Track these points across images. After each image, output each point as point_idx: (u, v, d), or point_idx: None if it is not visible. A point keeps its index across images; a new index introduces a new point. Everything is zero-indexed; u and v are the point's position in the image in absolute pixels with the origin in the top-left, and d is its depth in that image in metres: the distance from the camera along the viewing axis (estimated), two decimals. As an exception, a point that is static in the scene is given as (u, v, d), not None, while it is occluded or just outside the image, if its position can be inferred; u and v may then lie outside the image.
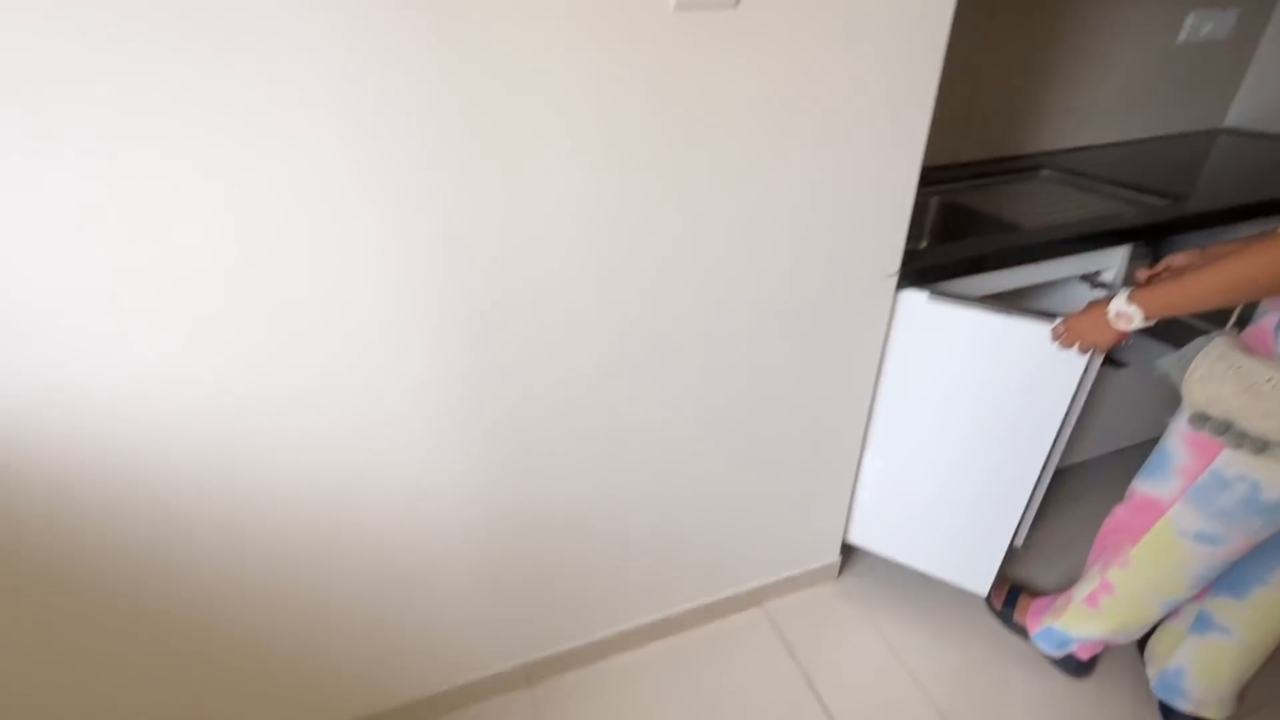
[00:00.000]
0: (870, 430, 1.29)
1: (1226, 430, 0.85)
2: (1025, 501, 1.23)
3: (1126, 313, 0.90)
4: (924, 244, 1.59)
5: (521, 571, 1.15)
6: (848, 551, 1.55)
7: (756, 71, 0.81)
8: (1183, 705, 1.16)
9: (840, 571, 1.52)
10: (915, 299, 1.14)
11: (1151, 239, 1.29)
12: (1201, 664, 1.12)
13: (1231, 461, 0.90)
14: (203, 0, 0.60)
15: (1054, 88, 1.72)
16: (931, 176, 1.62)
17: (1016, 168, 1.70)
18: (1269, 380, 0.80)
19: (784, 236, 0.97)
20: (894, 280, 1.09)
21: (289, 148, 0.68)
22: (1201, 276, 0.82)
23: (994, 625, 1.40)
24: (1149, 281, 0.94)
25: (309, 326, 0.79)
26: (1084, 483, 1.75)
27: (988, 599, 1.44)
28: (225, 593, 0.95)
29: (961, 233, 1.49)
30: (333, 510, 0.95)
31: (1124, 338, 0.95)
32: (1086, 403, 1.51)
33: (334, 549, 0.98)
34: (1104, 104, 1.79)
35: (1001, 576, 1.47)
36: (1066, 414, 1.12)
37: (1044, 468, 1.19)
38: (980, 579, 1.34)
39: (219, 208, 0.69)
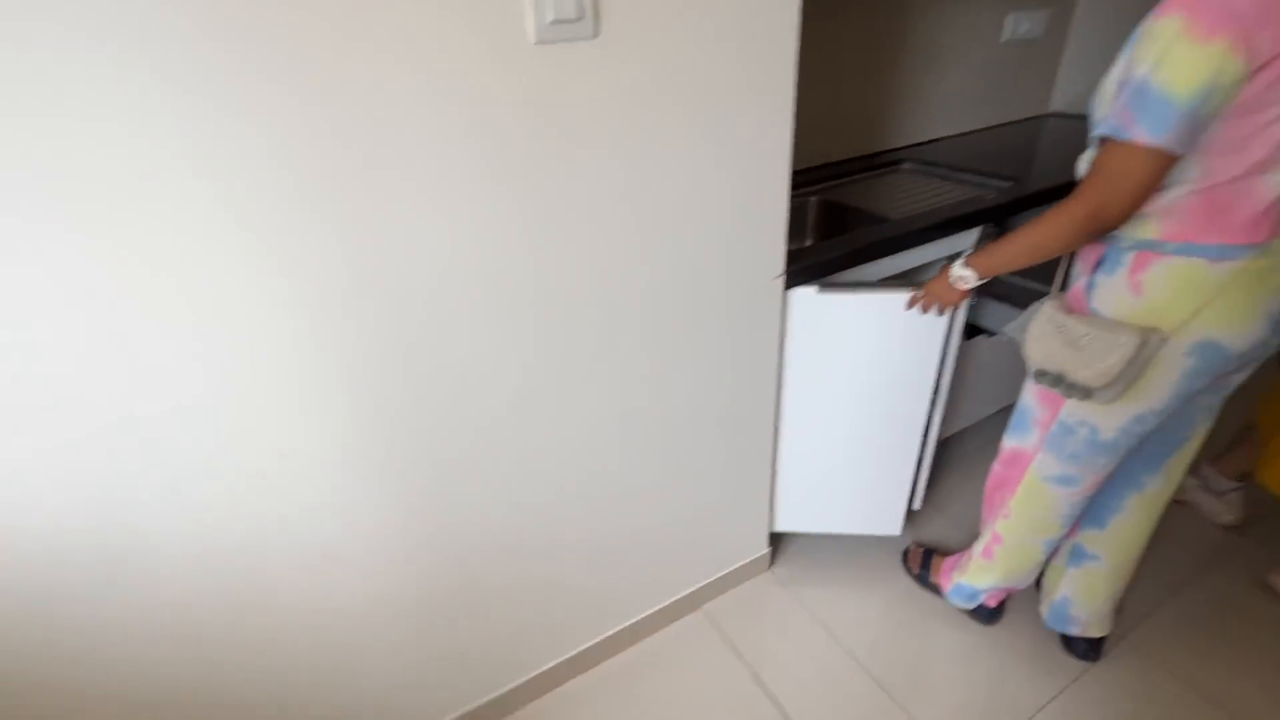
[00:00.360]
0: (781, 420, 1.35)
1: (1060, 383, 0.97)
2: (918, 451, 1.42)
3: (964, 274, 1.04)
4: (809, 242, 1.69)
5: (452, 612, 1.11)
6: (776, 539, 1.61)
7: (623, 95, 0.84)
8: (1073, 630, 1.29)
9: (772, 561, 1.58)
10: (805, 294, 1.21)
11: (999, 218, 1.44)
12: (1081, 591, 1.25)
13: (1072, 410, 1.02)
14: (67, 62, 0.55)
15: (904, 87, 1.88)
16: (808, 178, 1.73)
17: (882, 163, 1.84)
18: (1085, 335, 0.92)
19: (671, 253, 1.01)
20: (781, 281, 1.16)
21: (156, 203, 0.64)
22: (1011, 241, 0.96)
23: (914, 588, 1.50)
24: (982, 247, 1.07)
25: (198, 385, 0.74)
26: (980, 445, 1.91)
27: (906, 564, 1.54)
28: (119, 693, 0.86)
29: (841, 228, 1.60)
30: (238, 580, 0.88)
31: (967, 294, 1.08)
32: (970, 371, 1.66)
33: (246, 620, 0.92)
34: (948, 99, 1.98)
35: (916, 543, 1.58)
36: (940, 370, 1.28)
37: (929, 420, 1.36)
38: (892, 523, 1.52)
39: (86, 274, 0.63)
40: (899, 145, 1.95)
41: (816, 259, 1.21)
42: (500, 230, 0.84)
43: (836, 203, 1.63)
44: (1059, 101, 2.25)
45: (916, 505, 1.57)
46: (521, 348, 0.94)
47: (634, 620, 1.39)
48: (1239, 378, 0.98)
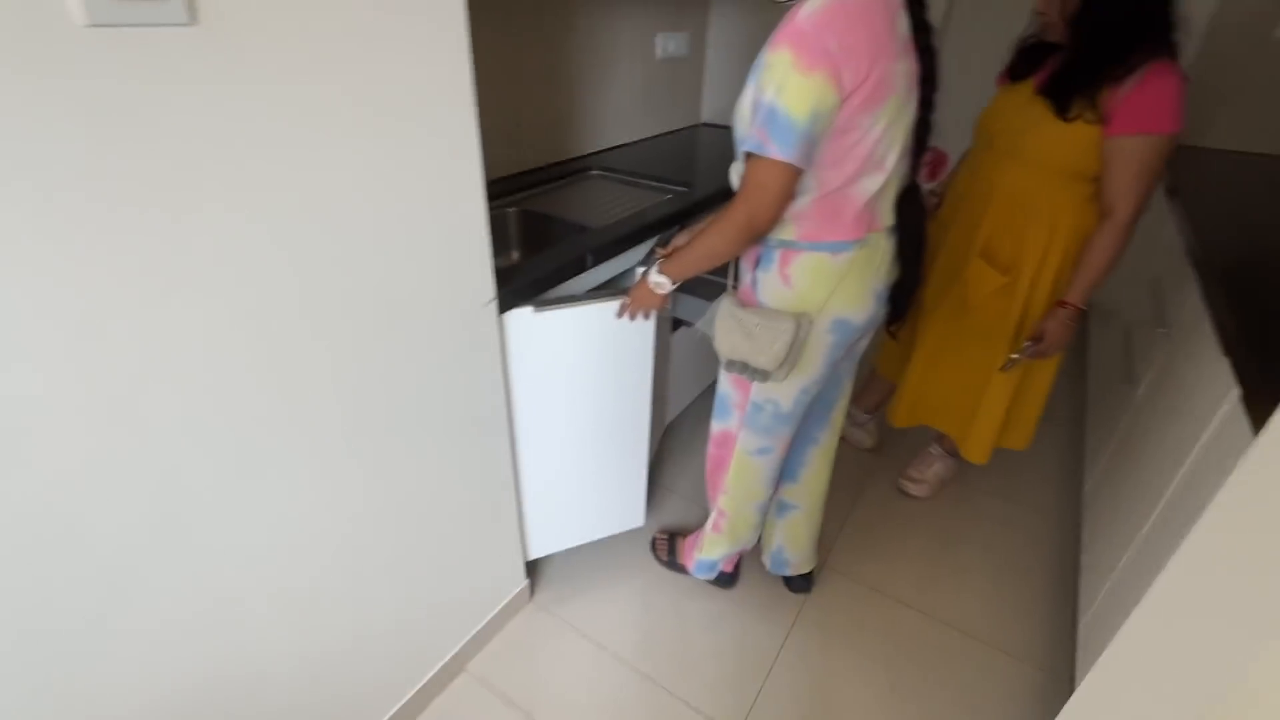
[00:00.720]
0: (518, 449, 1.28)
1: (746, 369, 1.10)
2: (648, 445, 1.48)
3: (661, 281, 1.11)
4: (515, 255, 1.63)
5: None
6: (534, 565, 1.55)
7: (251, 103, 0.65)
8: (788, 571, 1.51)
9: (533, 590, 1.51)
10: (520, 315, 1.14)
11: (682, 221, 1.57)
12: (789, 538, 1.46)
13: (759, 390, 1.17)
14: None
15: (583, 97, 1.94)
16: (504, 188, 1.66)
17: (572, 170, 1.88)
18: (756, 325, 1.05)
19: (364, 299, 0.84)
20: (494, 306, 1.07)
21: None
22: (692, 249, 1.04)
23: (666, 575, 1.59)
24: (671, 254, 1.14)
25: None
26: (693, 425, 2.10)
27: (655, 553, 1.62)
28: None
29: (545, 239, 1.58)
30: None
31: (667, 299, 1.16)
32: (676, 361, 1.81)
33: None
34: (621, 109, 2.11)
35: (660, 530, 1.67)
36: (655, 365, 1.37)
37: (653, 415, 1.45)
38: (635, 517, 1.58)
39: None
40: (585, 152, 2.02)
41: (529, 277, 1.15)
42: (61, 303, 0.58)
43: (537, 213, 1.60)
44: (707, 113, 2.59)
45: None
46: (148, 464, 0.68)
47: (402, 702, 1.19)
48: (864, 344, 1.23)
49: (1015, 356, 1.40)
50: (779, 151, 0.87)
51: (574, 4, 1.78)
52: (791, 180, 0.91)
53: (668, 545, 1.60)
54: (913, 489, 1.84)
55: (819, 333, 1.07)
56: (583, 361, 1.26)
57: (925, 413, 1.70)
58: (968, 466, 1.96)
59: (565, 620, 1.47)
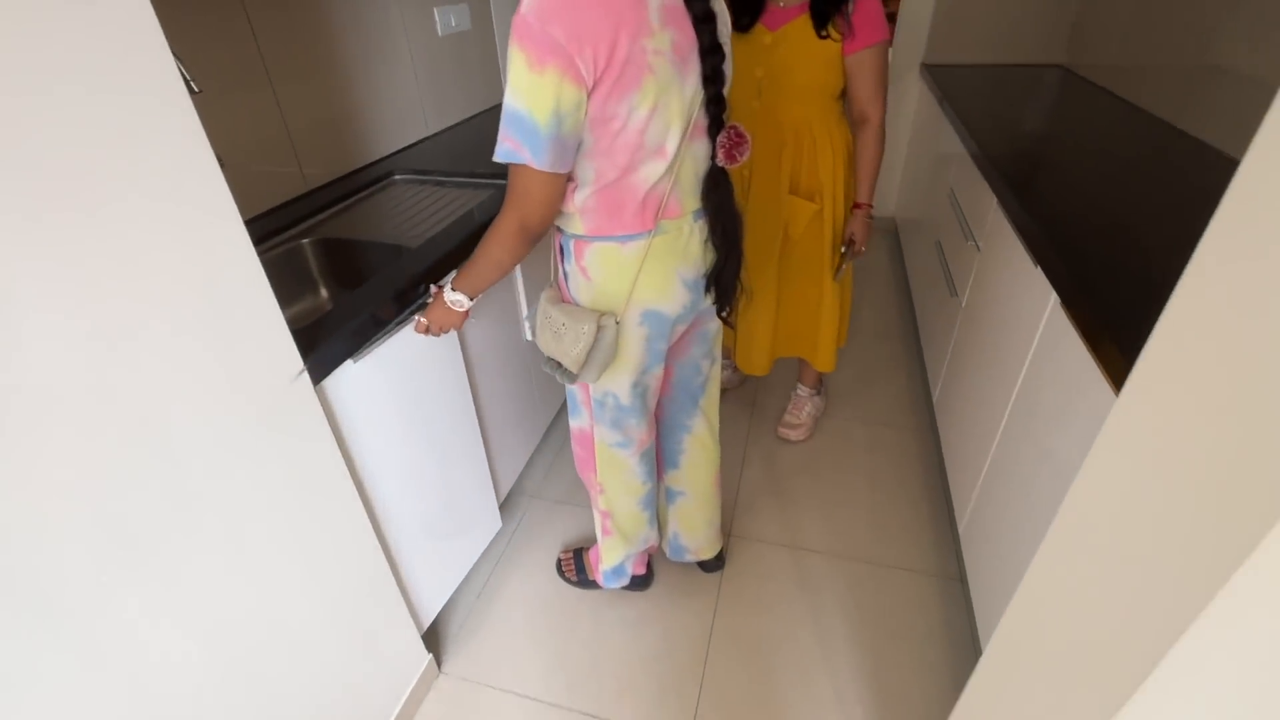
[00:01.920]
0: (374, 510, 1.10)
1: (558, 369, 1.04)
2: (484, 450, 1.42)
3: (457, 298, 1.00)
4: (323, 292, 1.39)
5: None
6: (432, 636, 1.38)
7: None
8: (689, 557, 1.48)
9: (440, 663, 1.35)
10: (339, 375, 0.96)
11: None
12: (683, 524, 1.43)
13: (594, 386, 1.11)
14: None
15: (366, 91, 1.68)
16: (293, 213, 1.40)
17: (371, 178, 1.63)
18: (562, 325, 0.99)
19: (148, 411, 0.62)
20: (305, 378, 0.87)
21: None
22: (478, 260, 0.95)
23: (574, 595, 1.50)
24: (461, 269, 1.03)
25: None
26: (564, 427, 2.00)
27: (564, 576, 1.52)
28: None
29: (354, 270, 1.36)
30: None
31: (467, 315, 1.04)
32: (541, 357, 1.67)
33: None
34: (412, 99, 1.87)
35: (564, 550, 1.57)
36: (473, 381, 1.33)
37: (483, 428, 1.40)
38: (493, 522, 1.53)
39: None
40: (383, 155, 1.77)
41: (338, 338, 0.94)
42: None
43: (336, 239, 1.36)
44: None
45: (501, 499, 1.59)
46: None
47: None
48: (714, 326, 1.17)
49: (843, 264, 1.58)
50: (531, 159, 0.80)
51: (332, 2, 1.50)
52: (553, 182, 0.85)
53: (574, 563, 1.51)
54: (792, 434, 1.90)
55: (630, 326, 1.01)
56: (408, 390, 1.13)
57: (781, 348, 1.79)
58: (832, 399, 2.07)
59: (482, 683, 1.33)
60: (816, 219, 1.53)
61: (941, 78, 2.52)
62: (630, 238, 0.94)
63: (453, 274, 1.00)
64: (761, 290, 1.65)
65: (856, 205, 1.51)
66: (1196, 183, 1.39)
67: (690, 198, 0.97)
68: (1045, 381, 1.09)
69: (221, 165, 1.14)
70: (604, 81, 0.77)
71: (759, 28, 1.39)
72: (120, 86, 0.60)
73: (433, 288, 1.05)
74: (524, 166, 0.81)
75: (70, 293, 0.59)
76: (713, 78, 0.88)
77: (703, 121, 0.92)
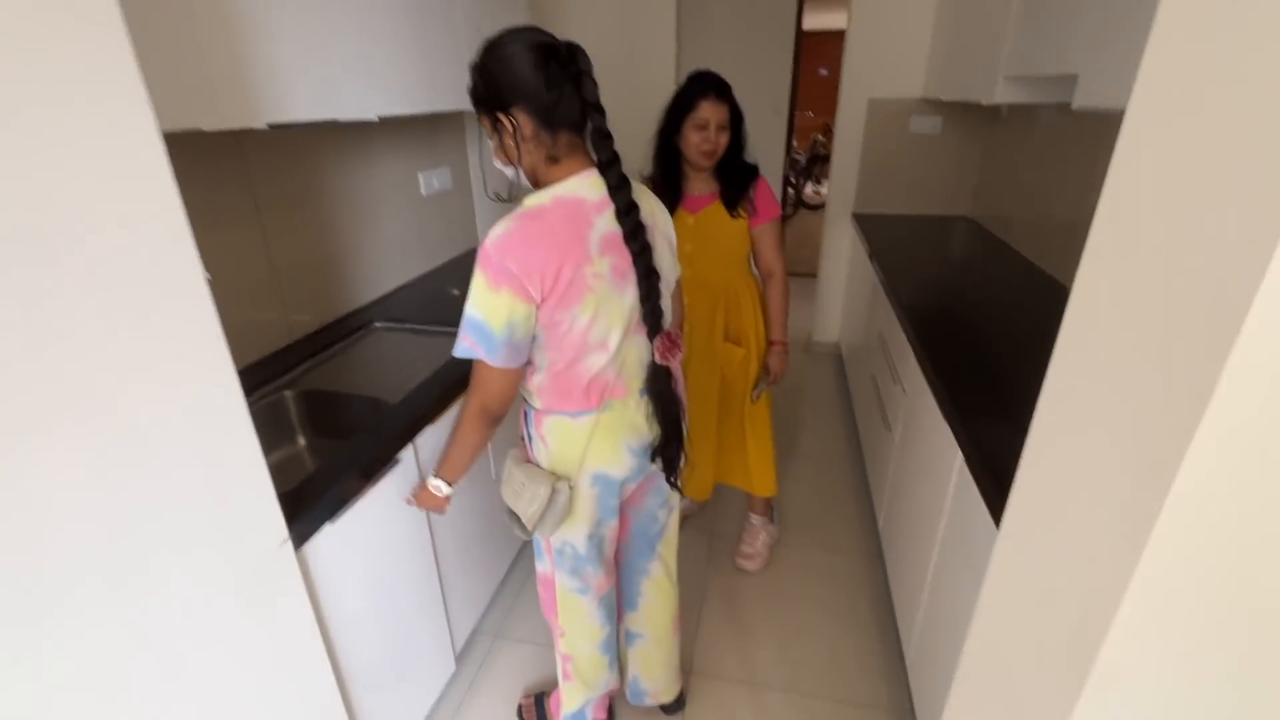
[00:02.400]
0: (340, 666, 1.12)
1: (516, 522, 1.14)
2: (442, 604, 1.48)
3: (437, 484, 1.15)
4: (301, 441, 1.47)
5: None
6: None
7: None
8: (648, 700, 1.50)
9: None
10: (319, 540, 1.03)
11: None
12: (642, 666, 1.46)
13: (555, 536, 1.20)
14: None
15: (353, 247, 1.85)
16: (279, 365, 1.51)
17: (353, 326, 1.76)
18: (523, 485, 1.11)
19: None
20: (289, 545, 0.95)
21: None
22: (454, 446, 1.10)
23: (538, 741, 1.49)
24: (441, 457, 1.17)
25: None
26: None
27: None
28: None
29: (333, 421, 1.45)
30: None
31: (449, 500, 1.18)
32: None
33: None
34: (393, 250, 2.05)
35: (525, 695, 1.57)
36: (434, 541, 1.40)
37: (442, 572, 1.46)
38: (446, 668, 1.55)
39: None
40: (363, 304, 1.92)
41: (322, 498, 1.03)
42: None
43: (318, 392, 1.46)
44: (484, 234, 2.63)
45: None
46: None
47: None
48: (660, 482, 1.27)
49: (758, 389, 1.82)
50: (487, 357, 0.97)
51: (325, 158, 1.71)
52: (506, 375, 1.01)
53: (535, 709, 1.51)
54: (749, 565, 1.97)
55: (583, 488, 1.13)
56: (373, 544, 1.20)
57: (723, 475, 1.98)
58: (788, 526, 2.17)
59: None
60: (743, 361, 1.79)
61: (867, 225, 2.87)
62: (579, 414, 1.08)
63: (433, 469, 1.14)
64: (702, 424, 1.82)
65: (771, 342, 1.78)
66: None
67: (635, 379, 1.11)
68: (963, 517, 1.23)
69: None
70: (550, 299, 0.95)
71: (682, 212, 1.66)
72: (142, 278, 0.73)
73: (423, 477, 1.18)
74: (481, 362, 0.98)
75: (88, 482, 0.67)
76: (647, 295, 1.03)
77: (644, 322, 1.06)
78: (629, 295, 1.03)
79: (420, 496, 1.19)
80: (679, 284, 1.20)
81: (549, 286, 0.94)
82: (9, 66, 0.56)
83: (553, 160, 0.98)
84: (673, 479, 1.22)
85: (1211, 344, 0.43)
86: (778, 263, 1.73)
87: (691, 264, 1.65)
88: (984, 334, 1.68)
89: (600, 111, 0.95)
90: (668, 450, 1.16)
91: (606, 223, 0.98)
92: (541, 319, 0.97)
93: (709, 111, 1.53)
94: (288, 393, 1.45)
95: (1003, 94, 1.84)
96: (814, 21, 5.54)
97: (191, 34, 0.97)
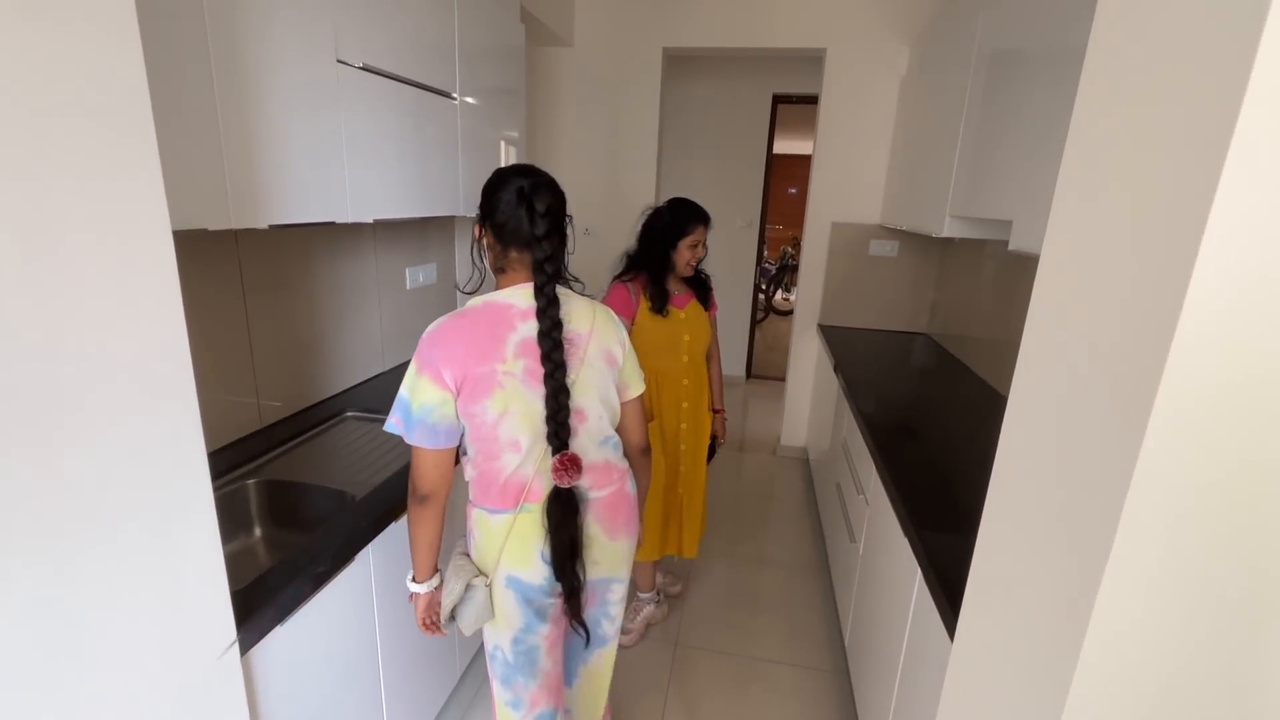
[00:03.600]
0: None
1: (451, 620, 1.14)
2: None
3: (411, 588, 1.17)
4: (257, 531, 1.43)
5: None
6: None
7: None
8: None
9: None
10: (267, 643, 0.99)
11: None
12: None
13: (488, 637, 1.20)
14: None
15: (331, 337, 1.88)
16: (245, 451, 1.49)
17: (323, 416, 1.76)
18: (447, 575, 1.14)
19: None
20: (235, 649, 0.91)
21: None
22: (412, 539, 1.13)
23: None
24: None
25: None
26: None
27: None
28: None
29: (294, 513, 1.42)
30: None
31: (428, 597, 1.17)
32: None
33: None
34: (373, 341, 2.09)
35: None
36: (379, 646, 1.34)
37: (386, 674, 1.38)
38: None
39: None
40: (336, 392, 1.92)
41: (273, 601, 1.00)
42: None
43: (281, 482, 1.44)
44: (463, 327, 2.69)
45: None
46: None
47: None
48: (617, 592, 1.27)
49: (714, 454, 2.13)
50: (405, 434, 1.06)
51: (316, 248, 1.78)
52: (429, 456, 1.07)
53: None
54: (624, 639, 2.00)
55: (499, 588, 1.14)
56: (318, 646, 1.15)
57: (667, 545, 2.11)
58: (756, 637, 2.11)
59: None
60: (708, 422, 2.07)
61: (833, 336, 3.02)
62: (497, 511, 1.11)
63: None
64: (691, 483, 2.06)
65: (715, 410, 2.10)
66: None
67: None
68: (924, 632, 1.23)
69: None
70: (463, 390, 1.04)
71: (673, 309, 1.91)
72: (133, 370, 0.74)
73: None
74: (412, 444, 1.06)
75: (43, 590, 0.66)
76: (549, 400, 1.05)
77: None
78: (537, 403, 1.06)
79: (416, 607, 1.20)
80: (638, 399, 1.23)
81: (460, 378, 1.03)
82: (45, 171, 0.61)
83: (499, 270, 1.13)
84: (572, 613, 1.15)
85: (1122, 446, 0.49)
86: (717, 346, 2.11)
87: (689, 350, 1.94)
88: (942, 447, 1.75)
89: (541, 240, 1.05)
90: (562, 574, 1.11)
91: (530, 329, 1.06)
92: (460, 409, 1.05)
93: (700, 235, 1.89)
94: (250, 481, 1.42)
95: (950, 229, 2.02)
96: (784, 146, 6.05)
97: (214, 142, 1.05)
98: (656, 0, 3.10)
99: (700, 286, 2.00)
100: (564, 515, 1.09)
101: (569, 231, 1.13)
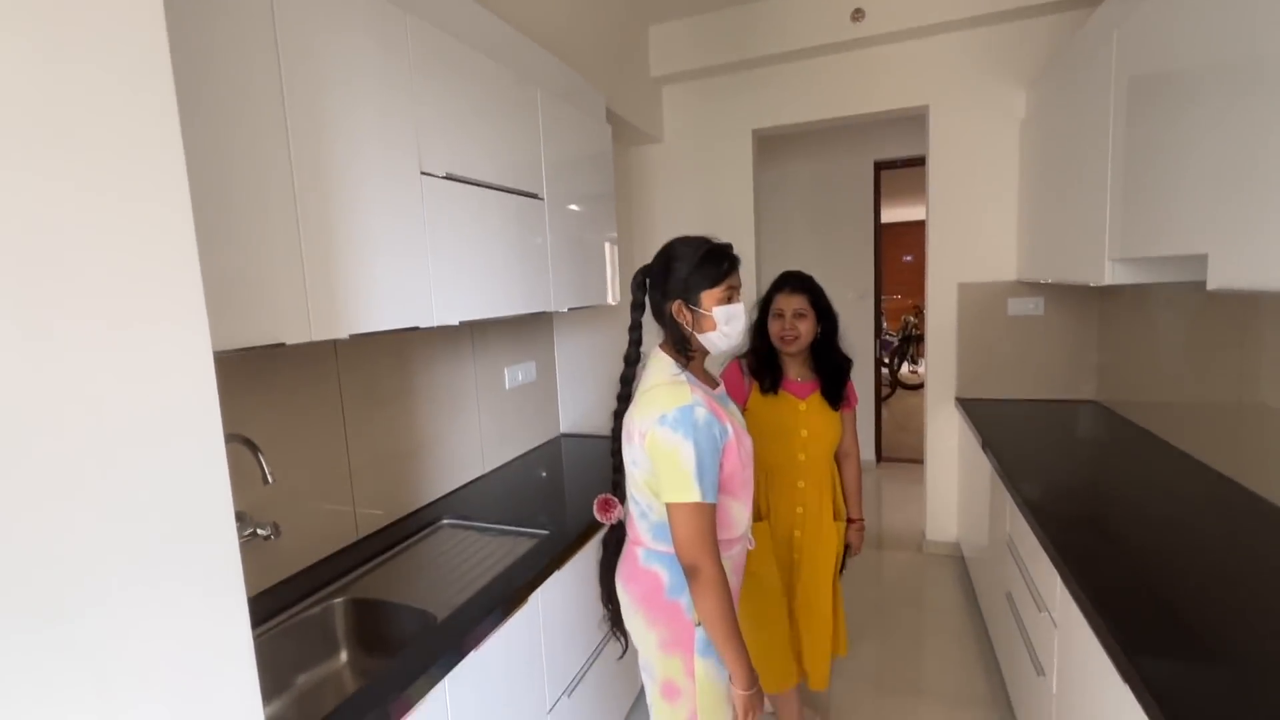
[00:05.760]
0: None
1: None
2: None
3: (742, 694, 1.11)
4: (343, 656, 1.34)
5: None
6: None
7: None
8: None
9: None
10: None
11: (541, 580, 1.41)
12: None
13: None
14: None
15: (431, 443, 1.87)
16: (337, 566, 1.46)
17: (420, 524, 1.71)
18: None
19: None
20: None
21: None
22: (723, 638, 1.10)
23: None
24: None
25: None
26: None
27: None
28: None
29: (379, 634, 1.33)
30: None
31: (749, 698, 1.12)
32: None
33: None
34: (473, 444, 2.06)
35: None
36: None
37: None
38: None
39: None
40: (434, 498, 1.88)
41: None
42: None
43: (369, 600, 1.36)
44: (565, 423, 2.64)
45: None
46: None
47: None
48: (647, 680, 1.26)
49: (843, 565, 1.81)
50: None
51: (414, 354, 1.80)
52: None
53: None
54: None
55: None
56: None
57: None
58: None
59: None
60: (833, 532, 1.74)
61: (975, 411, 2.62)
62: None
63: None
64: (817, 602, 1.76)
65: (852, 520, 1.81)
66: (1260, 548, 1.26)
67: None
68: None
69: (277, 533, 1.23)
70: None
71: (790, 397, 1.70)
72: (168, 500, 0.67)
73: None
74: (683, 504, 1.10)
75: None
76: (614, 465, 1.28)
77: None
78: None
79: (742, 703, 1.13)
80: (673, 506, 1.10)
81: None
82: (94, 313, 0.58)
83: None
84: (613, 630, 1.34)
85: None
86: (854, 444, 1.83)
87: (805, 449, 1.70)
88: (1142, 542, 1.35)
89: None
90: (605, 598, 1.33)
91: None
92: None
93: (784, 302, 1.70)
94: (337, 601, 1.36)
95: (1115, 275, 1.69)
96: (894, 214, 5.78)
97: (294, 257, 1.07)
98: (742, 84, 3.12)
99: (830, 375, 1.71)
100: (605, 546, 1.34)
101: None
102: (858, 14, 2.70)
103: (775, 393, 1.70)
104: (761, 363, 1.72)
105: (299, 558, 1.44)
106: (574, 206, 2.07)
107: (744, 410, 1.66)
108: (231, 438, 1.17)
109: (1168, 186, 1.36)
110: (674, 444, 1.06)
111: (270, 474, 1.15)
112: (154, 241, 0.63)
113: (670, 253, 1.17)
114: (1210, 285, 1.16)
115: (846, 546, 1.81)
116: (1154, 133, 1.42)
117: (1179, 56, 1.30)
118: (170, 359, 0.65)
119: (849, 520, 1.81)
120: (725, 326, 1.14)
